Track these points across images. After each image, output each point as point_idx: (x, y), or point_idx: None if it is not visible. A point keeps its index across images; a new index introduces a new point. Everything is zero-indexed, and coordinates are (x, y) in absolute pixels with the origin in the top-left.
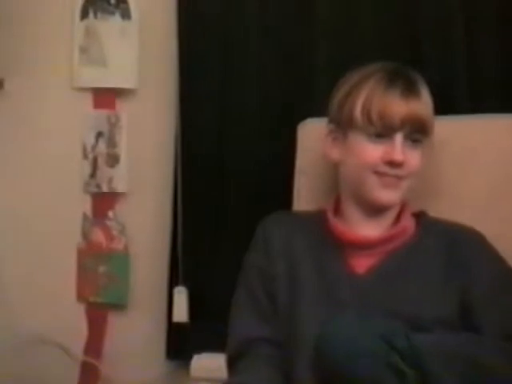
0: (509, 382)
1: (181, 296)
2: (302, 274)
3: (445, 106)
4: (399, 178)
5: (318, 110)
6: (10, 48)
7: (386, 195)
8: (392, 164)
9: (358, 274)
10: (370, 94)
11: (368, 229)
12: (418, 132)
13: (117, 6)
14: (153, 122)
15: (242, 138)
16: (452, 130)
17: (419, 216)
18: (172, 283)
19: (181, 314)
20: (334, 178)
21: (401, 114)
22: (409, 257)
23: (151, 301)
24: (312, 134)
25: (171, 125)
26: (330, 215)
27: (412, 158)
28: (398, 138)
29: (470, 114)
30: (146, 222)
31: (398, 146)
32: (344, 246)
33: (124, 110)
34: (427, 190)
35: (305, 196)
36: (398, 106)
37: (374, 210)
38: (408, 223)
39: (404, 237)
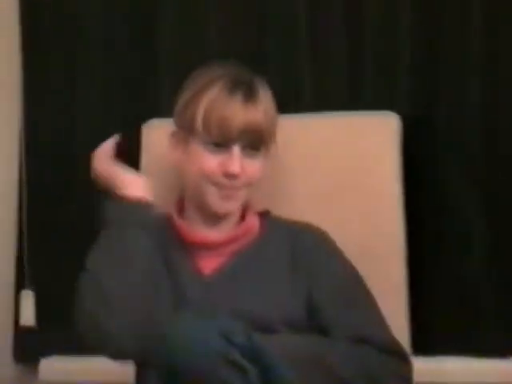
0: (349, 381)
1: (27, 299)
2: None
3: (290, 103)
4: (236, 188)
5: (164, 110)
6: None
7: (223, 206)
8: (228, 176)
9: (205, 274)
10: (210, 104)
11: (211, 231)
12: (256, 142)
13: None
14: None
15: (88, 139)
16: (296, 128)
17: (264, 215)
18: (19, 286)
19: (27, 317)
20: (179, 179)
21: (239, 126)
22: (255, 256)
23: None
24: (157, 134)
25: (16, 123)
26: (175, 217)
27: (250, 167)
28: (235, 149)
29: (315, 111)
30: None
31: (235, 158)
32: (190, 247)
33: None
34: (272, 190)
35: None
36: (236, 118)
37: (215, 216)
38: (252, 222)
39: (249, 236)
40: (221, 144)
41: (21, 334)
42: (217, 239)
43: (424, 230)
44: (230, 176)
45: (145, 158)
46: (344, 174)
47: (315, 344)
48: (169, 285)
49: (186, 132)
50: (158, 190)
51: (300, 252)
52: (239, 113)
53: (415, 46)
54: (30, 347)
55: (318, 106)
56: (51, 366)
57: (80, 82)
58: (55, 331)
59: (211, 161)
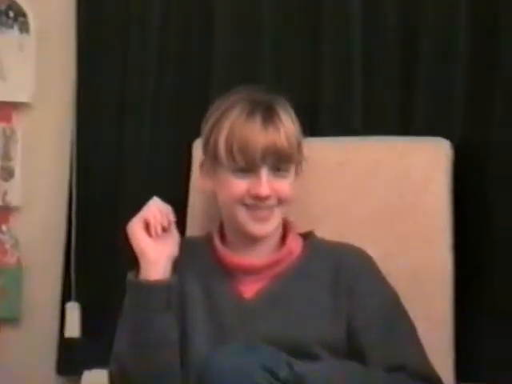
0: None
1: (73, 311)
2: (191, 298)
3: (341, 127)
4: (270, 208)
5: None
6: None
7: (259, 228)
8: (258, 198)
9: (246, 298)
10: (230, 130)
11: (253, 255)
12: (283, 162)
13: (15, 19)
14: (49, 136)
15: (138, 154)
16: (346, 151)
17: (306, 236)
18: (65, 298)
19: (73, 329)
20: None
21: (261, 150)
22: (296, 280)
23: (44, 315)
24: None
25: (67, 139)
26: (216, 241)
27: (280, 187)
28: (263, 172)
29: (363, 135)
30: (40, 237)
31: (262, 181)
32: (232, 272)
33: (20, 123)
34: (318, 211)
35: (198, 214)
36: (256, 142)
37: (254, 239)
38: (293, 244)
39: (290, 259)
40: (247, 168)
41: (65, 345)
42: (257, 264)
43: (471, 259)
44: (260, 198)
45: (194, 176)
46: (392, 199)
47: (354, 371)
48: (208, 310)
49: (212, 160)
50: (208, 207)
51: (342, 274)
52: (259, 136)
53: (470, 73)
54: (73, 359)
55: (369, 131)
56: (93, 378)
57: (131, 98)
58: (99, 344)
59: (240, 186)
